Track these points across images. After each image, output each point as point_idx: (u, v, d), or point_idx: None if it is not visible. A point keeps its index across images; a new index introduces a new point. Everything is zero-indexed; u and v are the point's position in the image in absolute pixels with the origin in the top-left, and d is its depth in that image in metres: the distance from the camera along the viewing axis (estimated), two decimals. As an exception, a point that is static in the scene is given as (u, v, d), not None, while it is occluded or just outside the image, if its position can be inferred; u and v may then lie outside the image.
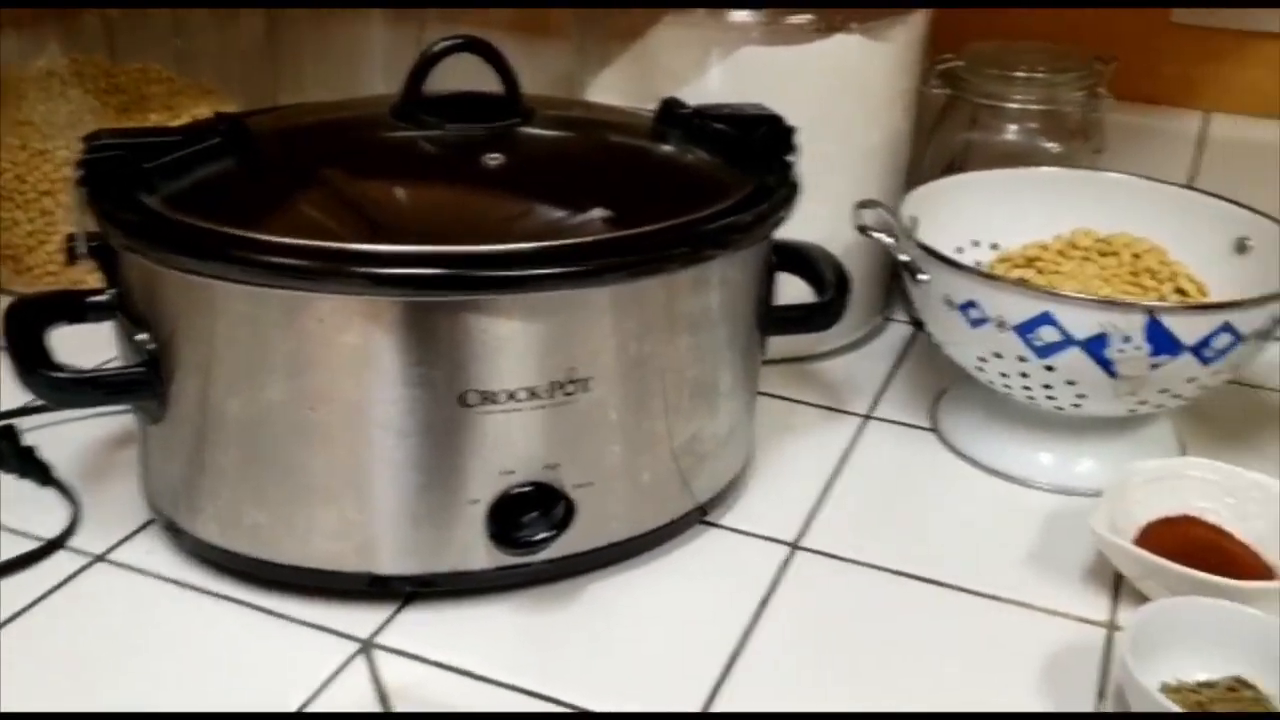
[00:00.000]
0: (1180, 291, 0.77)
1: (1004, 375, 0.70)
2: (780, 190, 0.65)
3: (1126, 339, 0.64)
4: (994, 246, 0.83)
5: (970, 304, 0.68)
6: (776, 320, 0.70)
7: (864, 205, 0.75)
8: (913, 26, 0.82)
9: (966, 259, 0.82)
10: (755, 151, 0.67)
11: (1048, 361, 0.67)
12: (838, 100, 0.79)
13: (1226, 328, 0.64)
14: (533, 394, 0.57)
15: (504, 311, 0.55)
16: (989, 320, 0.68)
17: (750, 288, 0.66)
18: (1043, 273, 0.80)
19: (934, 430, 0.79)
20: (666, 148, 0.69)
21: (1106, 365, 0.66)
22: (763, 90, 0.75)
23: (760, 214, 0.63)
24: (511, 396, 0.56)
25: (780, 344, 0.82)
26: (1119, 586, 0.64)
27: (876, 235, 0.73)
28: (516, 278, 0.54)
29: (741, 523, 0.69)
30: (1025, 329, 0.66)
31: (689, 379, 0.63)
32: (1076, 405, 0.70)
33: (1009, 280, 0.69)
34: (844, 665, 0.59)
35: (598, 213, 0.60)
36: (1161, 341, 0.64)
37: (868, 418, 0.81)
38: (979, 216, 0.83)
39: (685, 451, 0.65)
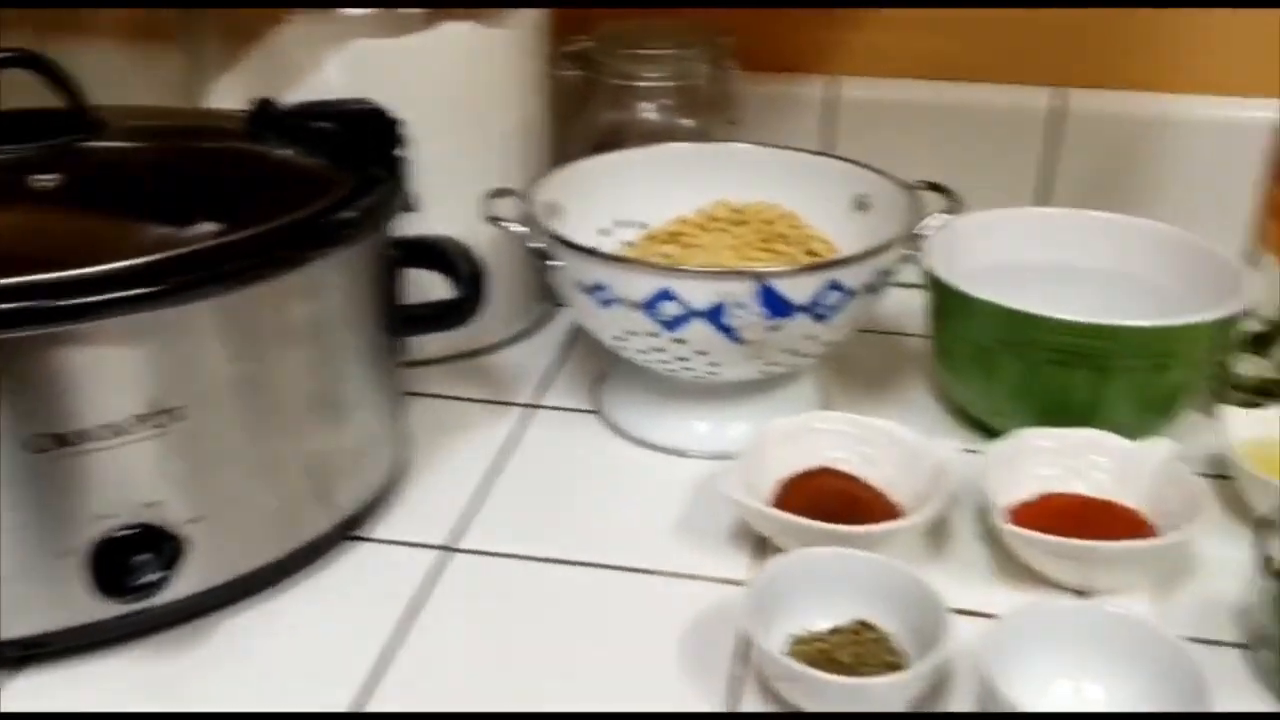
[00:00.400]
0: (811, 253, 0.80)
1: (642, 351, 0.71)
2: (384, 185, 0.63)
3: (741, 306, 0.66)
4: (642, 225, 0.84)
5: (599, 286, 0.68)
6: (408, 320, 0.68)
7: (496, 195, 0.74)
8: (531, 11, 0.81)
9: (614, 240, 0.83)
10: (362, 147, 0.65)
11: (676, 335, 0.68)
12: (458, 89, 0.78)
13: (834, 285, 0.67)
14: (116, 431, 0.53)
15: (65, 345, 0.51)
16: (617, 300, 0.68)
17: (367, 290, 0.63)
18: (685, 246, 0.81)
19: (597, 413, 0.80)
20: (260, 151, 0.65)
21: (729, 332, 0.67)
22: (381, 84, 0.73)
23: (363, 210, 0.61)
24: (89, 436, 0.52)
25: (440, 341, 0.81)
26: (763, 545, 0.66)
27: (506, 225, 0.72)
28: (69, 308, 0.50)
29: (394, 533, 0.67)
30: (649, 305, 0.67)
31: (307, 393, 0.60)
32: (713, 373, 0.71)
33: (629, 260, 0.69)
34: (496, 662, 0.58)
35: (172, 227, 0.56)
36: (775, 304, 0.66)
37: (532, 408, 0.81)
38: (624, 196, 0.83)
39: (316, 469, 0.62)
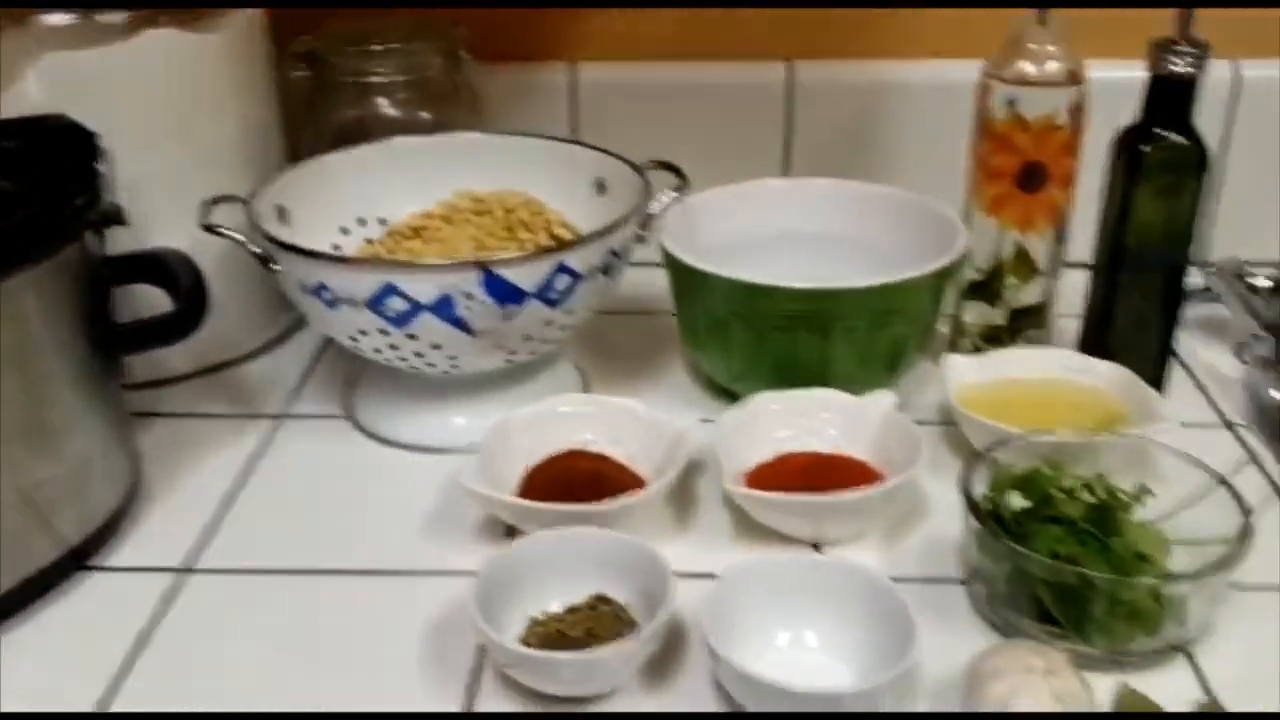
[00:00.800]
0: (555, 237, 0.80)
1: (379, 350, 0.70)
2: (73, 201, 0.60)
3: (470, 296, 0.66)
4: (382, 221, 0.83)
5: (322, 287, 0.67)
6: (126, 338, 0.66)
7: (215, 202, 0.72)
8: (243, 14, 0.79)
9: (357, 239, 0.82)
10: (54, 164, 0.62)
11: (407, 330, 0.67)
12: (169, 98, 0.75)
13: (563, 269, 0.67)
14: None
15: None
16: (342, 300, 0.67)
17: (70, 310, 0.61)
18: (428, 240, 0.80)
19: (349, 418, 0.78)
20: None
21: (461, 324, 0.67)
22: (85, 97, 0.70)
23: (46, 228, 0.58)
24: None
25: (184, 357, 0.79)
26: (513, 535, 0.66)
27: (224, 232, 0.70)
28: None
29: (128, 559, 0.65)
30: (375, 303, 0.66)
31: (12, 421, 0.57)
32: (455, 367, 0.71)
33: (346, 259, 0.68)
34: (231, 679, 0.57)
35: None
36: (503, 292, 0.66)
37: (281, 418, 0.79)
38: (363, 194, 0.82)
39: (32, 499, 0.59)
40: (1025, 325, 0.80)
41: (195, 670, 0.57)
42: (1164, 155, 0.72)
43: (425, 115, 0.87)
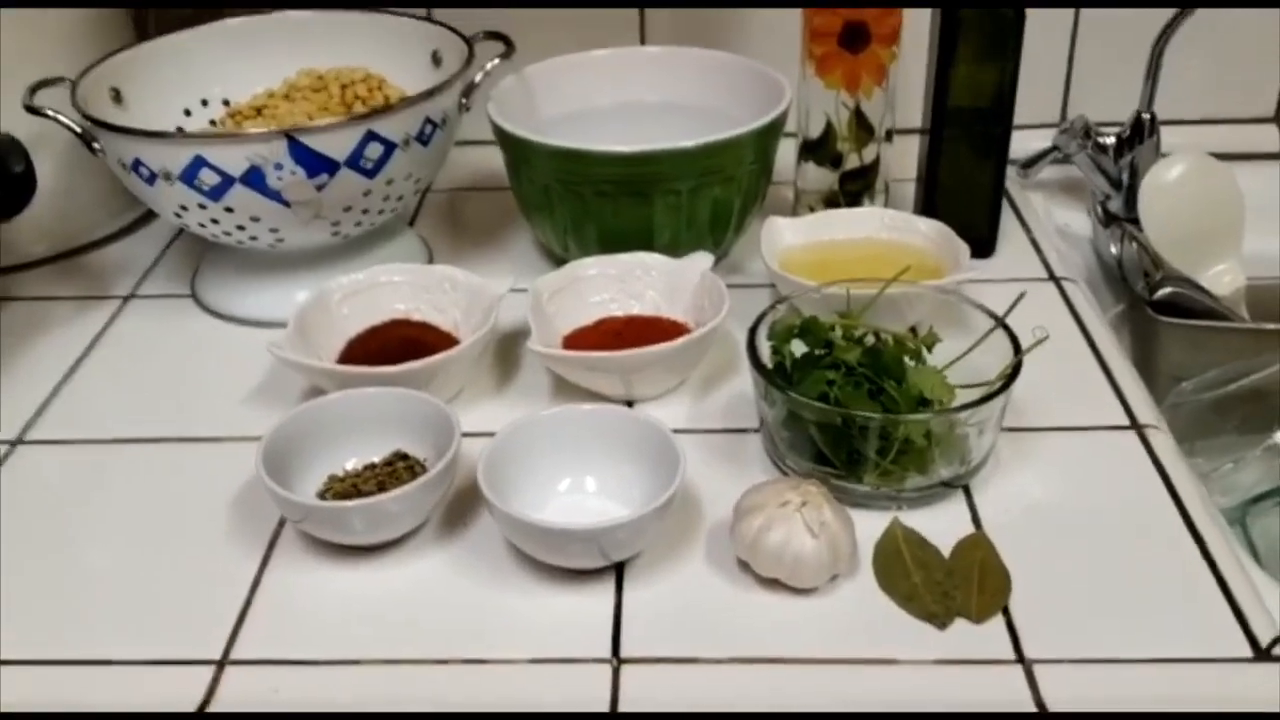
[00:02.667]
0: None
1: (203, 225, 0.71)
2: None
3: (279, 166, 0.66)
4: (225, 103, 0.83)
5: (138, 163, 0.68)
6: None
7: (42, 85, 0.72)
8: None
9: (199, 121, 0.82)
10: None
11: (224, 204, 0.68)
12: None
13: (374, 136, 0.68)
14: None
15: None
16: (158, 175, 0.68)
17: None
18: (268, 118, 0.81)
19: (194, 296, 0.79)
20: None
21: (275, 196, 0.68)
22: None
23: None
24: None
25: (39, 242, 0.80)
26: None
27: (51, 114, 0.70)
28: None
29: (-42, 435, 0.67)
30: (187, 176, 0.67)
31: None
32: (280, 240, 0.72)
33: (154, 133, 0.69)
34: (49, 545, 0.59)
35: None
36: (311, 162, 0.67)
37: (129, 298, 0.80)
38: (205, 75, 0.82)
39: None
40: (858, 187, 0.81)
41: (11, 534, 0.60)
42: (982, 16, 0.73)
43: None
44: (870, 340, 0.61)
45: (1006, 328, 0.60)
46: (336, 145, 0.67)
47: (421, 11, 0.85)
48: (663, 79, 0.84)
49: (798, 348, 0.61)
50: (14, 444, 0.66)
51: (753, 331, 0.61)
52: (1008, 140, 0.76)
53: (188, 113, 0.82)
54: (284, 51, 0.83)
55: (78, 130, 0.70)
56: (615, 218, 0.73)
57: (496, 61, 0.76)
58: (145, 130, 0.67)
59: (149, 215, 0.89)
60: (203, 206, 0.68)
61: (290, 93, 0.82)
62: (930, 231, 0.74)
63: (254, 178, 0.67)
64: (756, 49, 0.90)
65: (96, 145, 0.70)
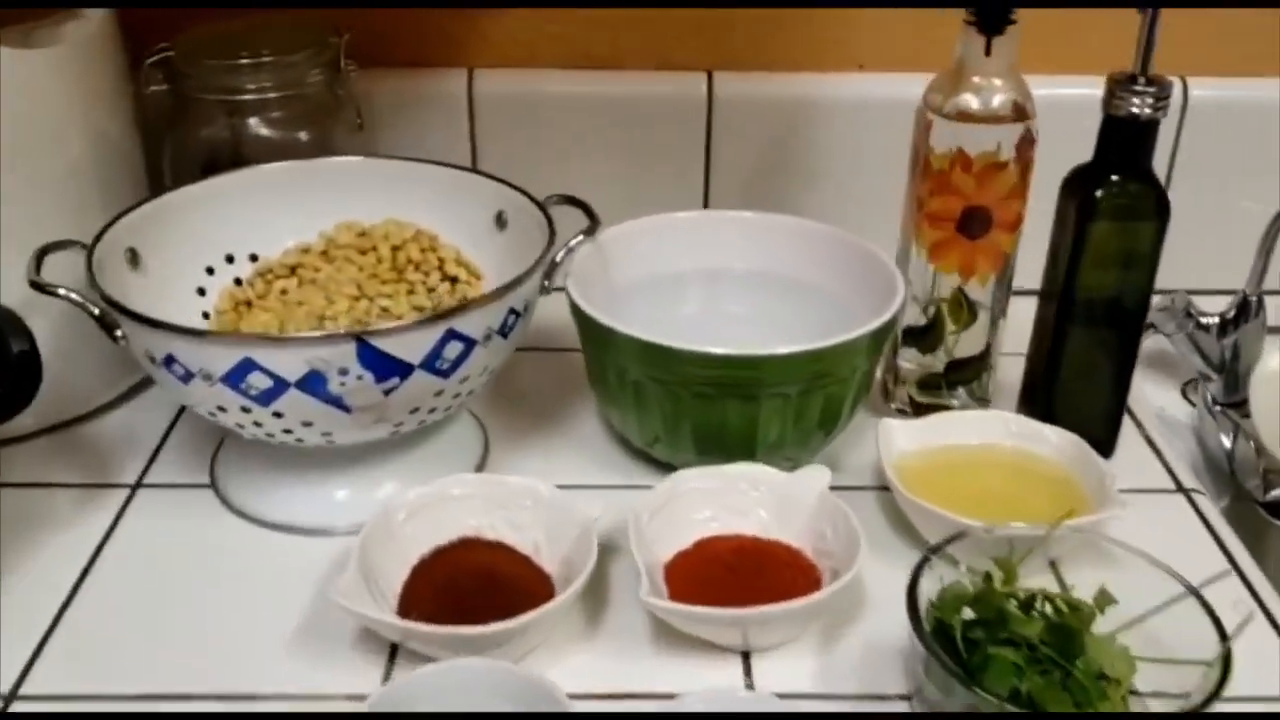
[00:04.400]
0: (449, 278, 0.72)
1: (242, 426, 0.61)
2: None
3: (344, 370, 0.57)
4: (253, 258, 0.73)
5: (171, 359, 0.58)
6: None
7: (47, 251, 0.62)
8: (87, 23, 0.69)
9: (224, 280, 0.72)
10: None
11: (273, 409, 0.58)
12: None
13: (453, 335, 0.59)
14: None
15: None
16: (195, 374, 0.58)
17: None
18: (305, 281, 0.71)
19: (213, 486, 0.69)
20: None
21: (337, 402, 0.58)
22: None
23: None
24: None
25: (31, 413, 0.68)
26: (394, 652, 0.57)
27: (57, 292, 0.60)
28: None
29: (-56, 684, 0.55)
30: (233, 379, 0.57)
31: None
32: (330, 441, 0.62)
33: (198, 332, 0.59)
34: None
35: None
36: (382, 366, 0.57)
37: (137, 487, 0.69)
38: (230, 228, 0.72)
39: None
40: (964, 376, 0.73)
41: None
42: (1118, 201, 0.66)
43: (303, 135, 0.77)
44: (1045, 606, 0.53)
45: (1201, 599, 0.52)
46: (412, 347, 0.58)
47: (472, 150, 0.77)
48: (752, 246, 0.76)
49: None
50: (7, 700, 0.55)
51: (913, 596, 0.52)
52: (1138, 340, 0.69)
53: (210, 271, 0.72)
54: (321, 201, 0.74)
55: (94, 313, 0.59)
56: (715, 418, 0.64)
57: (581, 239, 0.67)
58: (183, 328, 0.57)
59: (146, 381, 0.78)
60: (246, 410, 0.58)
61: (330, 249, 0.73)
62: (1061, 443, 0.66)
63: (313, 382, 0.57)
64: (830, 206, 0.84)
65: (119, 334, 0.59)
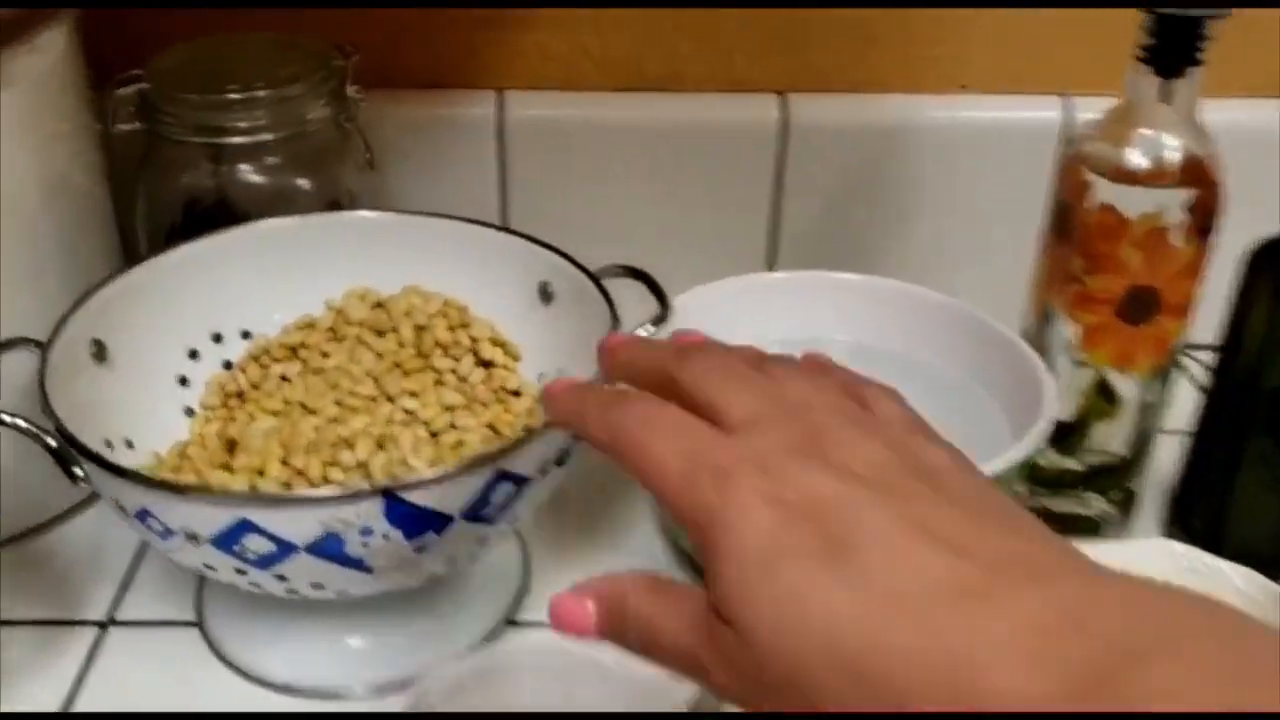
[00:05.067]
0: (485, 363, 0.59)
1: (236, 586, 0.48)
2: None
3: (367, 531, 0.44)
4: (245, 335, 0.60)
5: (146, 513, 0.45)
6: None
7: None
8: (44, 57, 0.55)
9: (212, 363, 0.59)
10: None
11: (275, 572, 0.45)
12: None
13: (503, 477, 0.46)
14: None
15: None
16: (176, 533, 0.45)
17: None
18: (312, 370, 0.58)
19: (199, 625, 0.56)
20: None
21: (357, 564, 0.45)
22: None
23: None
24: None
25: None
26: None
27: (4, 419, 0.47)
28: None
29: None
30: (225, 542, 0.44)
31: None
32: (345, 595, 0.49)
33: (173, 486, 0.45)
34: None
35: None
36: (416, 522, 0.45)
37: (108, 625, 0.56)
38: (217, 299, 0.59)
39: None
40: (1108, 484, 0.61)
41: None
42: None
43: (303, 182, 0.64)
44: None
45: None
46: (452, 496, 0.45)
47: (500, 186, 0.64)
48: (856, 316, 0.63)
49: None
50: None
51: None
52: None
53: (194, 355, 0.59)
54: (327, 264, 0.61)
55: (50, 445, 0.46)
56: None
57: (651, 329, 0.54)
58: (159, 481, 0.44)
59: None
60: (242, 572, 0.46)
61: (338, 326, 0.60)
62: (1247, 586, 0.54)
63: (328, 545, 0.44)
64: (924, 257, 0.72)
65: (78, 473, 0.46)
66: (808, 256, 0.73)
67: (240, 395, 0.58)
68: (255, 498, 0.44)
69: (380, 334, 0.59)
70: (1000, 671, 0.25)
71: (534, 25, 0.71)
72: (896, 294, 0.63)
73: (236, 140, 0.61)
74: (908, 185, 0.74)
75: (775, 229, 0.75)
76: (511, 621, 0.56)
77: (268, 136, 0.61)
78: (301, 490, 0.49)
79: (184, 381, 0.58)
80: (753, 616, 0.28)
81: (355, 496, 0.43)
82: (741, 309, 0.63)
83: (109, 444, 0.52)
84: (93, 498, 0.63)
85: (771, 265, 0.76)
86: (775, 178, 0.73)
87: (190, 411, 0.58)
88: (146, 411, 0.55)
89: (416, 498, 0.44)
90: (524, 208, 0.73)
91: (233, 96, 0.60)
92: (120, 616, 0.57)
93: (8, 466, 0.57)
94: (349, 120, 0.64)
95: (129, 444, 0.53)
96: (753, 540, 0.29)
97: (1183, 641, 0.24)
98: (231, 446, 0.53)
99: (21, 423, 0.46)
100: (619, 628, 0.32)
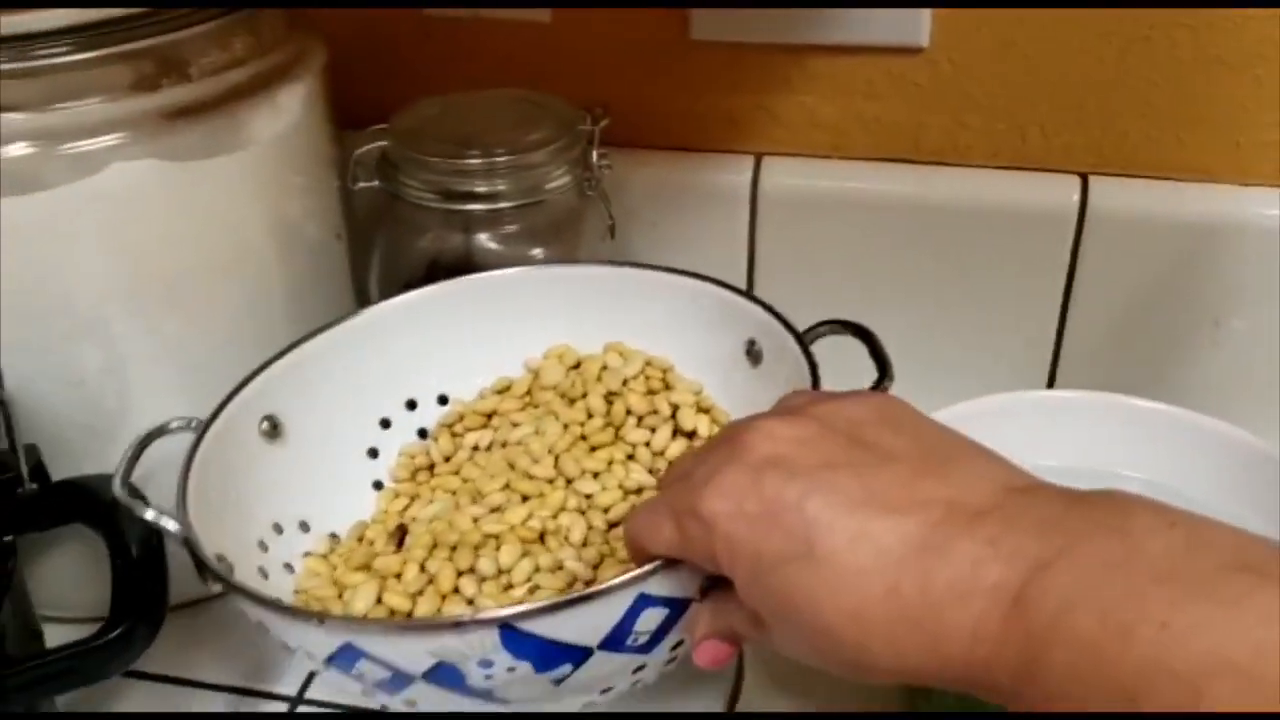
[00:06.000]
0: (684, 434, 0.51)
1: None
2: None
3: (488, 664, 0.38)
4: (442, 400, 0.56)
5: (263, 627, 0.41)
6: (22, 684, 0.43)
7: (151, 439, 0.47)
8: (284, 115, 0.52)
9: (401, 432, 0.56)
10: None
11: (402, 698, 0.40)
12: (153, 259, 0.49)
13: (647, 601, 0.38)
14: None
15: None
16: (295, 650, 0.41)
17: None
18: (496, 440, 0.53)
19: None
20: None
21: (485, 695, 0.39)
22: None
23: None
24: None
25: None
26: None
27: (147, 516, 0.44)
28: None
29: None
30: (341, 663, 0.39)
31: None
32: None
33: (269, 602, 0.40)
34: None
35: None
36: (543, 653, 0.38)
37: (297, 702, 0.54)
38: (411, 363, 0.55)
39: None
40: None
41: None
42: None
43: (538, 251, 0.59)
44: None
45: None
46: (584, 625, 0.38)
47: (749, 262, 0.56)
48: (1147, 449, 0.50)
49: None
50: None
51: None
52: None
53: (385, 424, 0.55)
54: (529, 320, 0.56)
55: (202, 558, 0.43)
56: None
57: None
58: (254, 594, 0.39)
59: None
60: (366, 695, 0.41)
61: (534, 390, 0.55)
62: None
63: (445, 676, 0.38)
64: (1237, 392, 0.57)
65: (210, 579, 0.43)
66: (1098, 371, 0.62)
67: (430, 468, 0.54)
68: (355, 623, 0.39)
69: (572, 402, 0.53)
70: (953, 611, 0.29)
71: (803, 88, 0.62)
72: (1209, 435, 0.49)
73: (473, 207, 0.57)
74: (1224, 291, 0.60)
75: (1061, 333, 0.63)
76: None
77: (506, 204, 0.57)
78: (400, 619, 0.43)
79: (374, 453, 0.54)
80: (766, 616, 0.34)
81: (460, 626, 0.37)
82: (1012, 430, 0.50)
83: (278, 529, 0.49)
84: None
85: (1052, 377, 0.64)
86: (1068, 272, 0.61)
87: (379, 484, 0.54)
88: (327, 489, 0.52)
89: (538, 627, 0.37)
90: (769, 282, 0.65)
91: (473, 163, 0.56)
92: (310, 695, 0.54)
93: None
94: (592, 188, 0.59)
95: (303, 526, 0.50)
96: (742, 559, 0.33)
97: (1079, 546, 0.28)
98: (402, 536, 0.49)
99: (165, 522, 0.43)
100: (737, 644, 0.38)
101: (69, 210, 0.46)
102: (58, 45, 0.43)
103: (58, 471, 0.49)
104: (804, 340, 0.47)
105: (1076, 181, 0.60)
